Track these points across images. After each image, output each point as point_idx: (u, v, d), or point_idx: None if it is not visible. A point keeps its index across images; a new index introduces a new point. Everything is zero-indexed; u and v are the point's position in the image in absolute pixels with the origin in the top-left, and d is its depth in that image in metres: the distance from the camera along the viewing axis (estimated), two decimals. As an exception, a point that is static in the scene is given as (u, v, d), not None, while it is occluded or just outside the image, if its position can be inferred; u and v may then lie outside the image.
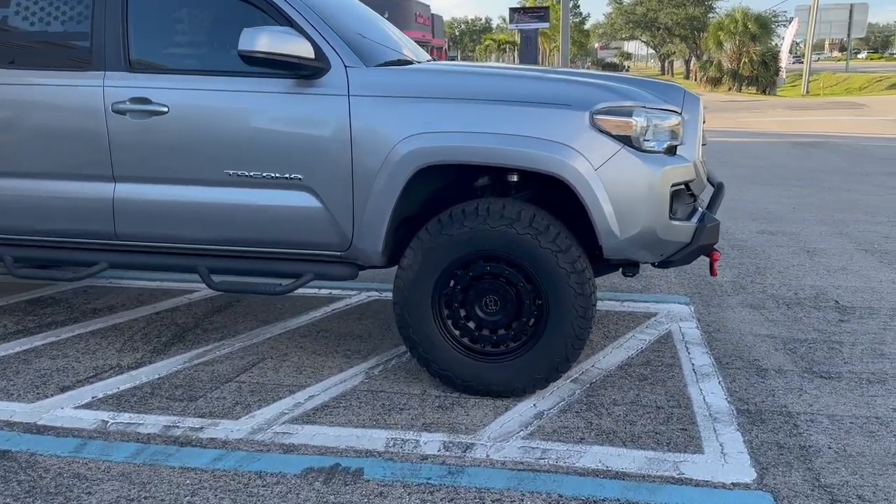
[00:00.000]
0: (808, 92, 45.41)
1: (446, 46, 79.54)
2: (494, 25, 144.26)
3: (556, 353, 4.02)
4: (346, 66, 4.09)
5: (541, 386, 4.14)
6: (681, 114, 4.06)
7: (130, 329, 5.36)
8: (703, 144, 4.41)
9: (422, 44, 29.47)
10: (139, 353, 4.89)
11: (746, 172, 13.11)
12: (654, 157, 3.91)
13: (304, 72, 4.07)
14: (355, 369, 4.61)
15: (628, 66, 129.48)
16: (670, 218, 3.99)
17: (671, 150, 4.01)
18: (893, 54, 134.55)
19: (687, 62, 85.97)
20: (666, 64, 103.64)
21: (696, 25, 75.73)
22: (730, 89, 51.51)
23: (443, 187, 4.49)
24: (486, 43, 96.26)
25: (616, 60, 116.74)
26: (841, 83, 48.90)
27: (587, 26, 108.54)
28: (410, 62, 4.82)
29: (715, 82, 53.59)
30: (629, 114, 3.88)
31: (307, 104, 4.10)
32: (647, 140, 3.92)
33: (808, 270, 6.80)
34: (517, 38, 49.37)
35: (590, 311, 3.97)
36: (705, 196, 4.53)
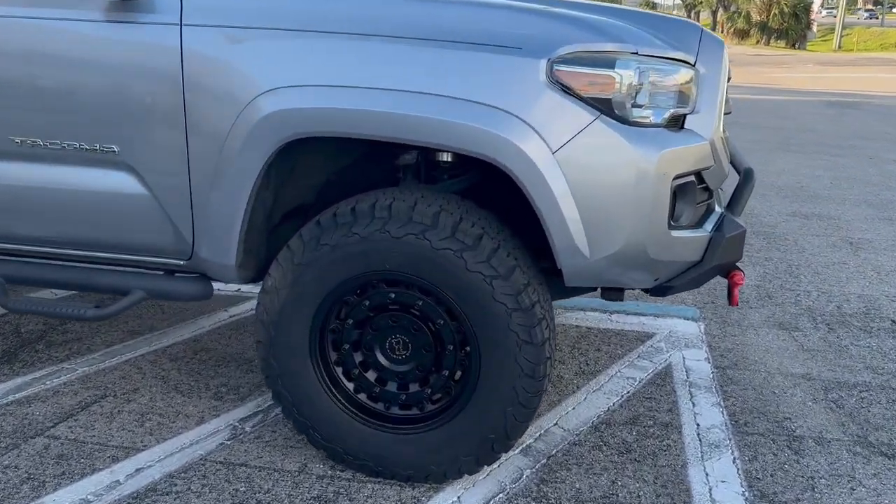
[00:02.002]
0: (840, 47, 42.98)
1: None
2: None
3: (490, 425, 2.67)
4: (178, -22, 2.66)
5: (470, 470, 2.80)
6: (694, 66, 2.61)
7: (-46, 339, 4.05)
8: (725, 113, 2.96)
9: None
10: (-58, 381, 3.59)
11: (774, 137, 11.52)
12: (649, 134, 2.49)
13: (115, -13, 2.64)
14: (220, 420, 3.29)
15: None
16: (670, 227, 2.59)
17: (676, 122, 2.58)
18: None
19: (714, 13, 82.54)
20: (692, 15, 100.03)
21: (724, -26, 72.33)
22: (757, 42, 49.06)
23: (359, 161, 3.11)
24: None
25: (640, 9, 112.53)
26: (875, 38, 46.25)
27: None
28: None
29: (742, 35, 51.09)
30: (610, 63, 2.44)
31: (121, 38, 2.68)
32: (639, 106, 2.49)
33: (854, 272, 5.36)
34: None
35: (541, 367, 2.60)
36: (726, 186, 3.09)
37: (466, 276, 2.52)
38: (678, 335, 4.22)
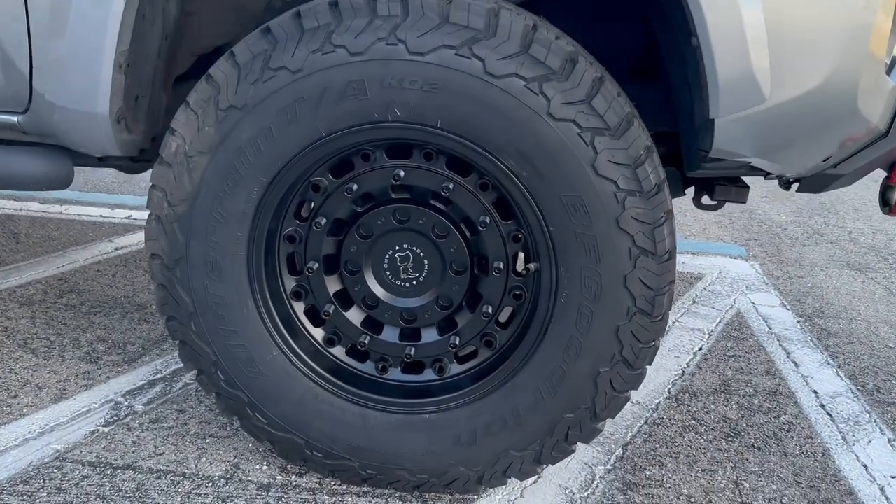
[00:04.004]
0: None
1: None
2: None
3: (567, 397, 1.54)
4: None
5: (525, 471, 1.66)
6: None
7: None
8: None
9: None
10: None
11: None
12: None
13: None
14: (93, 394, 2.05)
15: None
16: (889, 68, 1.52)
17: None
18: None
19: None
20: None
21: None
22: None
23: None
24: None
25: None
26: None
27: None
28: None
29: None
30: None
31: None
32: None
33: (898, 209, 4.49)
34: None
35: (664, 297, 1.49)
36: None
37: (545, 128, 1.37)
38: (732, 276, 3.20)
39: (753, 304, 2.92)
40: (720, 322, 2.74)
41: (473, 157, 1.44)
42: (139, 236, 3.28)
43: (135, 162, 1.81)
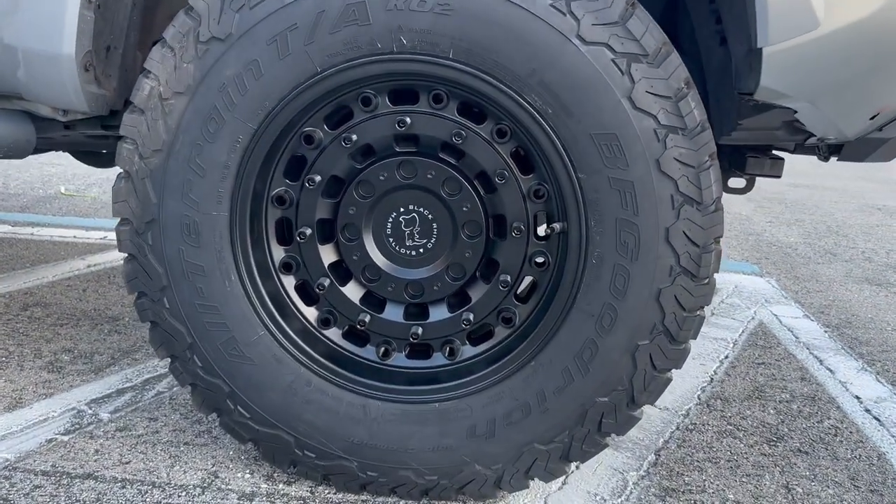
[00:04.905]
0: None
1: None
2: None
3: (600, 379, 1.32)
4: None
5: (551, 471, 1.43)
6: None
7: None
8: None
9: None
10: None
11: None
12: None
13: None
14: (53, 403, 1.81)
15: None
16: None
17: None
18: None
19: None
20: None
21: None
22: None
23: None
24: None
25: None
26: None
27: None
28: None
29: None
30: None
31: None
32: None
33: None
34: None
35: (710, 257, 1.29)
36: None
37: (575, 53, 1.20)
38: (749, 290, 3.01)
39: (775, 315, 2.72)
40: (743, 332, 2.54)
41: (491, 96, 1.26)
42: (114, 254, 3.06)
43: (105, 129, 1.62)
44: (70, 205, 4.14)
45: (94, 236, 3.38)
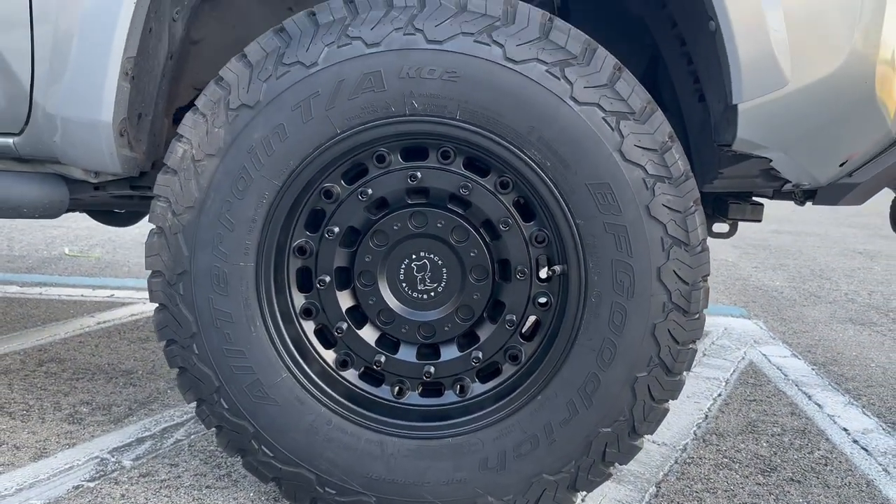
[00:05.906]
0: None
1: None
2: None
3: (602, 411, 1.43)
4: None
5: (560, 501, 1.51)
6: None
7: None
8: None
9: None
10: None
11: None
12: None
13: None
14: (77, 452, 1.88)
15: None
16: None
17: None
18: None
19: None
20: None
21: None
22: None
23: None
24: None
25: None
26: None
27: None
28: None
29: None
30: None
31: None
32: None
33: (884, 275, 4.50)
34: None
35: (700, 293, 1.41)
36: None
37: (569, 113, 1.34)
38: (738, 332, 3.13)
39: (764, 355, 2.83)
40: (734, 371, 2.64)
41: (494, 152, 1.39)
42: (122, 311, 3.15)
43: (133, 189, 1.74)
44: (75, 265, 4.24)
45: (101, 294, 3.47)
